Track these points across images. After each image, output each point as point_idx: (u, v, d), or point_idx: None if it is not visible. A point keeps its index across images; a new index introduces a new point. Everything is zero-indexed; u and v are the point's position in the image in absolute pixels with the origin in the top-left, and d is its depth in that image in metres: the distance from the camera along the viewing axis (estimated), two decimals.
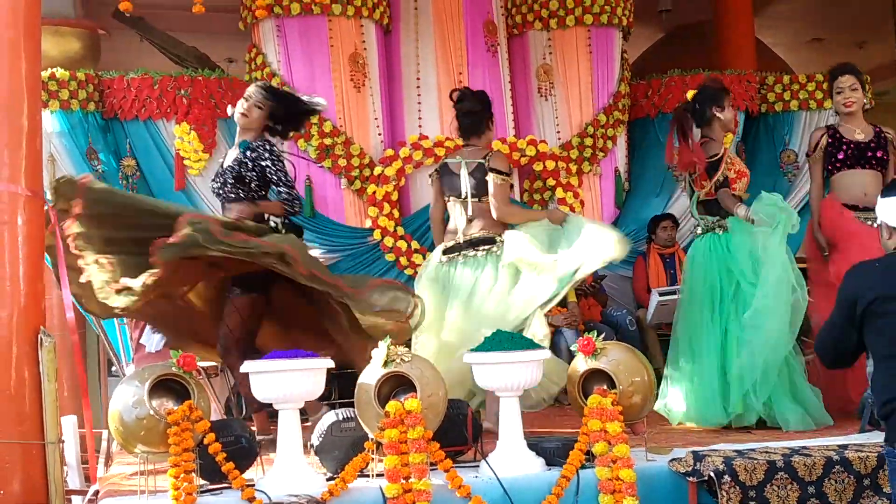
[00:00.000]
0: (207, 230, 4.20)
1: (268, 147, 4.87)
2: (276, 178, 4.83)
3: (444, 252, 5.44)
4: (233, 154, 4.98)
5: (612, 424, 3.71)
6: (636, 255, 7.88)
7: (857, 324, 3.40)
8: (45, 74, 6.76)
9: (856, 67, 5.69)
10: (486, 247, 5.29)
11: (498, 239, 5.28)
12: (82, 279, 4.27)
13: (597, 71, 8.13)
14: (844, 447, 3.98)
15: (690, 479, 3.79)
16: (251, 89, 5.00)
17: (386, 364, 3.71)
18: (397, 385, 3.75)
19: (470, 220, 5.36)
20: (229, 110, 5.03)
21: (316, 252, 7.18)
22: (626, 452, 3.66)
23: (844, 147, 5.56)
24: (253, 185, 4.86)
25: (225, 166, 4.96)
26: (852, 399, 5.15)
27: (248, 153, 4.86)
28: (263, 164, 4.82)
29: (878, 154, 5.54)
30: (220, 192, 4.95)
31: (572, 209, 7.78)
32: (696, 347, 5.27)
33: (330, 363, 3.76)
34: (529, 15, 8.11)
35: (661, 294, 7.07)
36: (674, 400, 5.31)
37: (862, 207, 5.47)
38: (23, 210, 3.99)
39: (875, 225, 4.00)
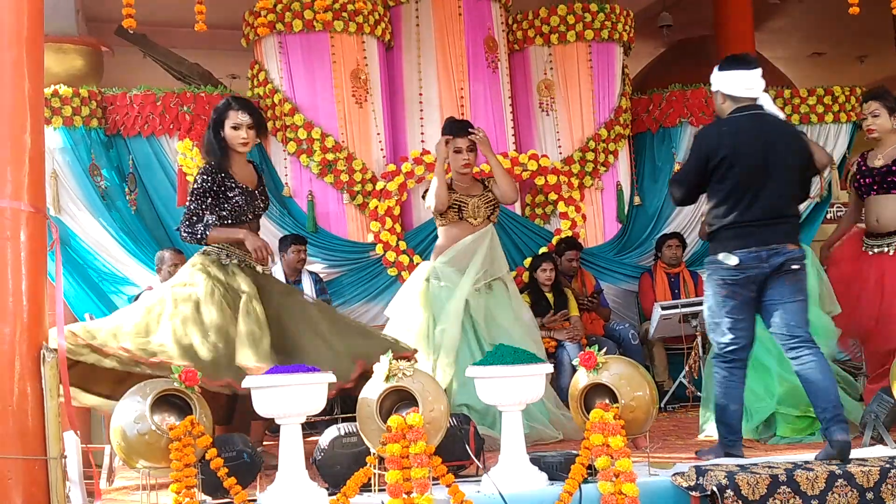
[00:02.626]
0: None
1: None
2: None
3: None
4: (251, 174, 4.93)
5: (614, 439, 3.70)
6: (641, 271, 7.90)
7: (707, 174, 4.34)
8: (48, 91, 6.80)
9: (883, 93, 5.62)
10: None
11: None
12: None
13: (598, 86, 8.16)
14: (847, 461, 3.97)
15: (693, 493, 3.77)
16: (242, 117, 4.79)
17: (388, 379, 3.71)
18: (399, 400, 3.75)
19: None
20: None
21: (318, 267, 7.21)
22: (628, 467, 3.64)
23: (860, 176, 5.61)
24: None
25: (255, 189, 4.89)
26: None
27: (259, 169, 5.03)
28: None
29: (889, 178, 5.54)
30: (258, 211, 4.94)
31: (574, 223, 7.80)
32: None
33: (332, 377, 3.76)
34: (530, 31, 8.14)
35: (663, 308, 7.07)
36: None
37: (876, 234, 5.52)
38: (25, 226, 3.98)
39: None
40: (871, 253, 5.54)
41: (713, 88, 4.50)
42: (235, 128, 4.79)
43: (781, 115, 4.46)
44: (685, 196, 4.57)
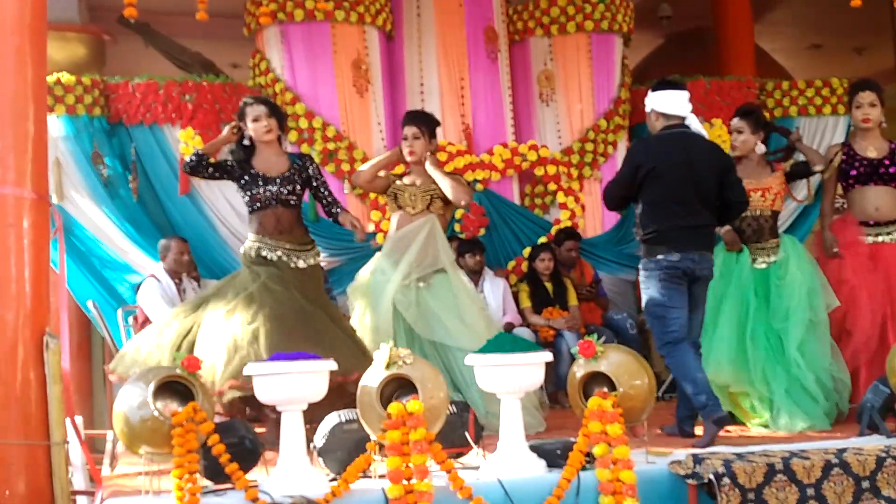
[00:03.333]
0: None
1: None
2: (323, 184, 5.40)
3: None
4: (281, 164, 5.27)
5: (612, 426, 3.73)
6: (639, 262, 7.91)
7: (638, 183, 4.82)
8: (50, 79, 6.80)
9: (878, 86, 5.74)
10: None
11: None
12: None
13: (597, 77, 8.17)
14: (843, 450, 4.01)
15: (690, 481, 3.81)
16: (258, 108, 5.23)
17: (388, 366, 3.74)
18: (399, 387, 3.78)
19: None
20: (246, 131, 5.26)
21: (319, 257, 7.22)
22: (626, 454, 3.68)
23: (857, 164, 5.63)
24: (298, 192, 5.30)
25: (278, 177, 5.21)
26: None
27: (300, 162, 5.33)
28: (311, 171, 5.33)
29: (892, 170, 5.59)
30: (283, 197, 5.22)
31: (573, 214, 7.83)
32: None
33: (333, 365, 3.80)
34: (531, 22, 8.16)
35: None
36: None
37: (873, 223, 5.57)
38: (28, 213, 4.01)
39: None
40: (868, 241, 5.59)
41: (647, 109, 5.00)
42: (256, 120, 5.20)
43: (706, 134, 4.99)
44: (617, 203, 5.12)
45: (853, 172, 5.66)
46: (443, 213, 5.58)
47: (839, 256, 5.60)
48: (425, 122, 5.64)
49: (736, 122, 5.56)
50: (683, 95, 4.91)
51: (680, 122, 4.91)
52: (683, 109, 4.90)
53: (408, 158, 5.60)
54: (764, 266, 5.45)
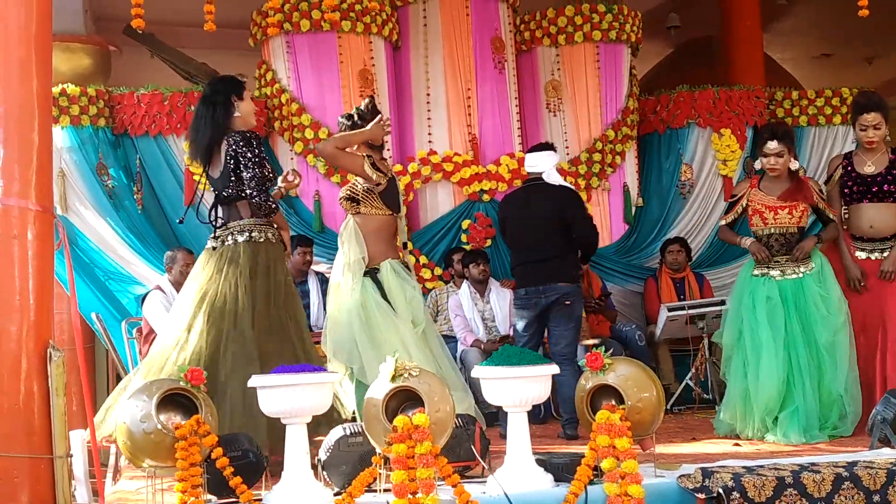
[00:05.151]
0: None
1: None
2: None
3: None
4: None
5: (620, 440, 3.69)
6: (647, 273, 7.88)
7: (501, 230, 6.22)
8: (55, 90, 6.80)
9: (881, 101, 5.59)
10: None
11: None
12: None
13: (605, 87, 8.14)
14: (854, 463, 3.96)
15: (699, 495, 3.77)
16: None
17: (394, 378, 3.71)
18: (405, 400, 3.74)
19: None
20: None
21: (324, 267, 7.21)
22: (634, 468, 3.64)
23: (850, 182, 5.56)
24: None
25: None
26: None
27: None
28: None
29: (886, 187, 5.49)
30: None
31: None
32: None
33: (337, 377, 3.76)
34: (538, 31, 8.14)
35: (669, 310, 7.06)
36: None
37: (868, 239, 5.51)
38: (33, 225, 3.99)
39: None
40: (860, 258, 5.53)
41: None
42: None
43: (564, 183, 5.97)
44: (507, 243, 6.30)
45: (846, 190, 5.60)
46: (356, 211, 5.17)
47: (865, 290, 5.51)
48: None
49: (775, 145, 5.39)
50: (536, 156, 5.92)
51: (538, 176, 5.88)
52: (537, 167, 5.88)
53: None
54: (795, 277, 5.42)
